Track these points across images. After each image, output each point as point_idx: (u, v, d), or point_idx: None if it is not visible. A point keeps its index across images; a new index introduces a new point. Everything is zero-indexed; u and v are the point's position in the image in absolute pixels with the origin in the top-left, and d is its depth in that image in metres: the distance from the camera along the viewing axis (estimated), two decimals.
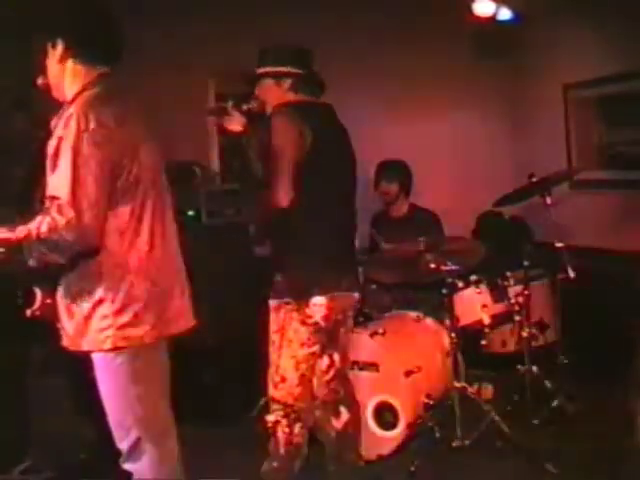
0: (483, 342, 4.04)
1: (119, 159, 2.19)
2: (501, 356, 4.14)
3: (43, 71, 2.36)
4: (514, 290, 3.93)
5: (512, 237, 4.82)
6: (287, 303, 2.83)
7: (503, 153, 5.60)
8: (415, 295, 4.28)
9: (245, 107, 2.96)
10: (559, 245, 3.65)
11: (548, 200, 3.72)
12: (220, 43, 4.94)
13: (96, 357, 2.27)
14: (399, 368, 3.57)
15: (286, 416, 2.87)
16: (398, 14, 5.20)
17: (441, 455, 3.49)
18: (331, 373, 2.98)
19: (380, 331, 3.68)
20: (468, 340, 3.92)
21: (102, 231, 2.16)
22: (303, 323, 2.82)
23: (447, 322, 3.79)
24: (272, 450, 2.94)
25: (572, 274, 3.60)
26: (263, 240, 3.20)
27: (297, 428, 2.89)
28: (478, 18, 4.73)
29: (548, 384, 3.89)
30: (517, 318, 3.88)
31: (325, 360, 2.94)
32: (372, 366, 3.61)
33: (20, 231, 2.12)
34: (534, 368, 3.84)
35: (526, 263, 3.87)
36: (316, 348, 2.87)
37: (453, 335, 3.70)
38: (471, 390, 3.72)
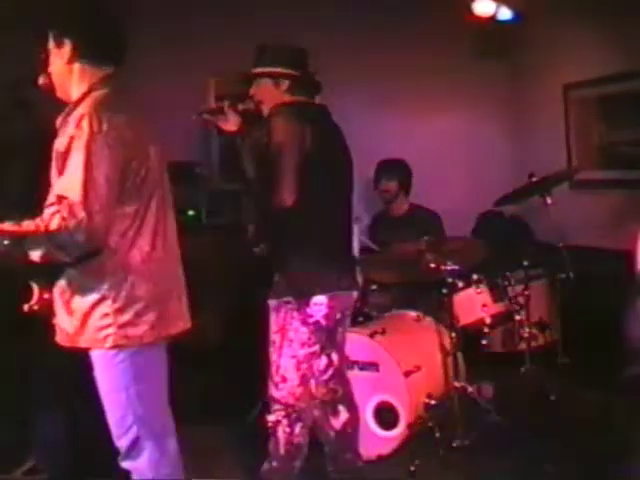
0: (483, 342, 4.04)
1: (129, 161, 2.20)
2: (501, 356, 4.14)
3: (44, 70, 2.36)
4: (514, 290, 3.94)
5: (512, 237, 4.83)
6: (287, 303, 2.83)
7: (503, 153, 5.60)
8: (415, 295, 4.27)
9: (241, 107, 2.96)
10: (559, 245, 3.65)
11: (548, 200, 3.72)
12: (220, 43, 4.95)
13: (95, 355, 2.27)
14: (399, 368, 3.57)
15: (287, 416, 2.87)
16: (398, 14, 5.20)
17: (441, 455, 3.49)
18: (329, 372, 2.98)
19: (380, 331, 3.68)
20: (468, 340, 3.92)
21: (108, 232, 2.17)
22: (304, 323, 2.82)
23: (447, 322, 3.79)
24: (272, 450, 2.94)
25: (572, 274, 3.61)
26: (262, 240, 3.20)
27: (298, 428, 2.89)
28: (478, 18, 4.73)
29: (548, 384, 3.89)
30: (517, 318, 3.89)
31: (324, 360, 2.93)
32: (372, 366, 3.61)
33: (28, 225, 2.12)
34: (534, 368, 3.84)
35: (526, 263, 3.88)
36: (316, 348, 2.87)
37: (453, 335, 3.71)
38: (471, 390, 3.72)
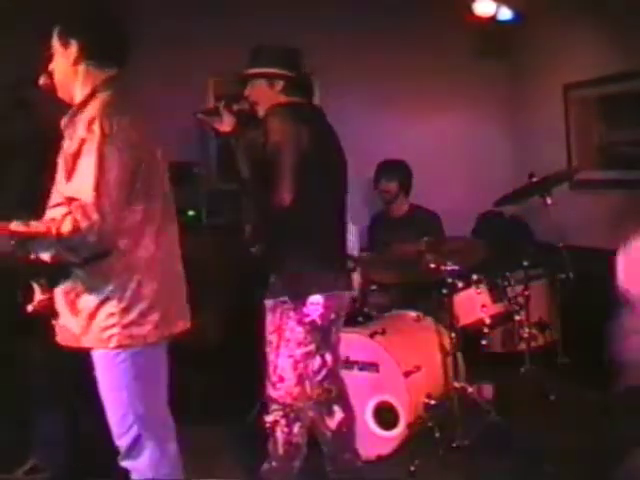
0: (483, 342, 4.04)
1: (138, 163, 2.22)
2: (501, 356, 4.14)
3: (45, 70, 2.36)
4: (514, 290, 3.94)
5: (512, 237, 4.83)
6: (283, 302, 2.83)
7: (503, 153, 5.60)
8: (415, 295, 4.27)
9: (236, 107, 2.97)
10: (559, 245, 3.65)
11: (548, 200, 3.72)
12: (220, 43, 4.95)
13: (97, 355, 2.27)
14: (399, 368, 3.57)
15: (285, 416, 2.87)
16: (398, 14, 5.21)
17: (441, 455, 3.49)
18: (323, 373, 2.97)
19: (380, 331, 3.68)
20: (468, 340, 3.92)
21: (118, 233, 2.18)
22: (300, 322, 2.82)
23: (447, 322, 3.79)
24: (271, 450, 2.94)
25: (572, 274, 3.60)
26: (259, 240, 3.21)
27: (296, 428, 2.89)
28: (478, 18, 4.73)
29: (548, 384, 3.89)
30: (517, 318, 3.89)
31: (317, 360, 2.93)
32: (372, 366, 3.61)
33: (36, 227, 2.12)
34: (534, 368, 3.84)
35: (526, 263, 3.88)
36: (312, 347, 2.87)
37: (453, 335, 3.71)
38: (471, 390, 3.72)
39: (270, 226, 2.91)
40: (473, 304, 3.92)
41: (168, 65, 5.04)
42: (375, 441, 3.57)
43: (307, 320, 2.82)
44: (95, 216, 2.07)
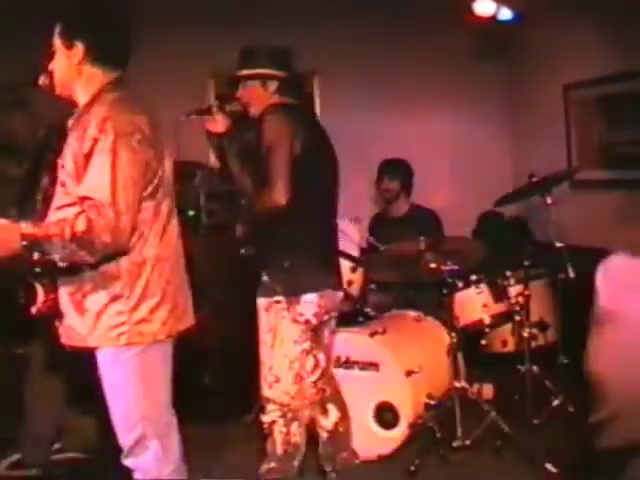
0: (483, 342, 4.05)
1: (150, 162, 2.23)
2: (501, 356, 4.13)
3: (45, 70, 2.36)
4: (514, 290, 3.93)
5: (512, 237, 4.82)
6: (277, 302, 2.83)
7: (503, 153, 5.61)
8: (415, 295, 4.28)
9: (228, 108, 2.97)
10: (559, 245, 3.64)
11: (548, 200, 3.71)
12: (220, 43, 4.94)
13: (103, 353, 2.27)
14: (399, 368, 3.57)
15: (283, 416, 2.87)
16: (398, 13, 5.21)
17: (441, 455, 3.48)
18: (317, 373, 2.95)
19: (380, 331, 3.68)
20: (468, 340, 3.92)
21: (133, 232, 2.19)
22: (294, 321, 2.82)
23: (447, 322, 3.79)
24: (270, 450, 2.93)
25: (572, 274, 3.60)
26: (251, 240, 3.21)
27: (294, 427, 2.89)
28: (478, 18, 4.72)
29: (548, 384, 3.88)
30: (517, 318, 3.88)
31: (310, 360, 2.92)
32: (372, 366, 3.61)
33: (47, 227, 2.11)
34: (534, 368, 3.84)
35: (526, 263, 3.87)
36: (307, 345, 2.87)
37: (453, 335, 3.71)
38: (471, 390, 3.73)
39: (264, 225, 2.91)
40: (473, 304, 3.91)
41: (168, 65, 5.04)
42: (375, 441, 3.57)
43: (301, 319, 2.82)
44: (111, 215, 2.07)
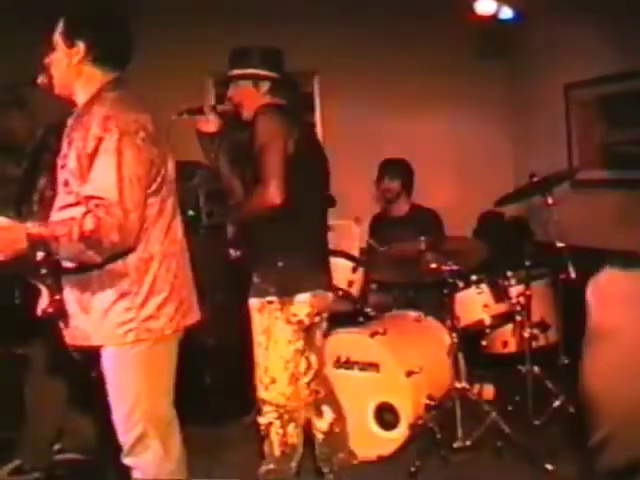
0: (484, 342, 4.04)
1: (154, 160, 2.23)
2: (502, 356, 4.12)
3: (43, 70, 2.35)
4: (515, 290, 3.92)
5: (513, 237, 4.81)
6: (270, 302, 2.83)
7: (504, 153, 5.60)
8: (416, 295, 4.27)
9: (220, 108, 2.97)
10: (560, 245, 3.64)
11: (549, 200, 3.71)
12: (220, 43, 4.93)
13: (109, 351, 2.26)
14: (400, 368, 3.56)
15: (279, 417, 2.86)
16: (399, 13, 5.20)
17: (442, 456, 3.48)
18: (310, 375, 2.94)
19: (380, 331, 3.67)
20: (469, 340, 3.91)
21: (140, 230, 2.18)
22: (288, 322, 2.82)
23: (448, 322, 3.78)
24: (267, 452, 2.93)
25: (573, 274, 3.59)
26: (242, 241, 3.21)
27: (291, 428, 2.88)
28: (479, 17, 4.72)
29: (549, 384, 3.87)
30: (518, 318, 3.87)
31: (303, 362, 2.91)
32: (373, 366, 3.61)
33: (56, 227, 2.10)
34: (535, 368, 3.83)
35: (527, 263, 3.86)
36: (300, 345, 2.86)
37: (454, 335, 3.70)
38: (472, 391, 3.72)
39: (255, 226, 2.90)
40: (474, 304, 3.90)
41: (167, 64, 5.04)
42: (376, 442, 3.57)
43: (295, 319, 2.82)
44: (119, 213, 2.07)
